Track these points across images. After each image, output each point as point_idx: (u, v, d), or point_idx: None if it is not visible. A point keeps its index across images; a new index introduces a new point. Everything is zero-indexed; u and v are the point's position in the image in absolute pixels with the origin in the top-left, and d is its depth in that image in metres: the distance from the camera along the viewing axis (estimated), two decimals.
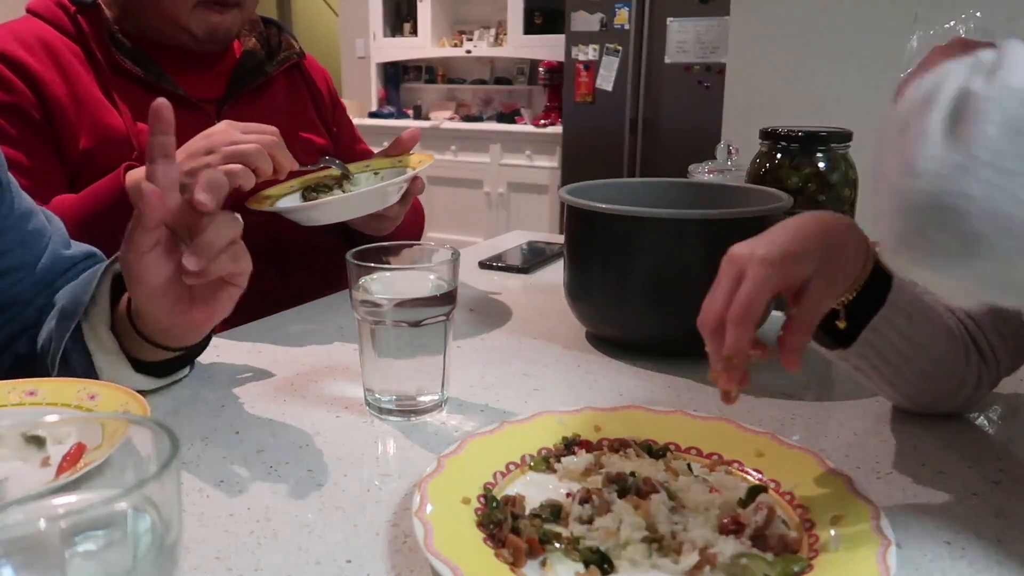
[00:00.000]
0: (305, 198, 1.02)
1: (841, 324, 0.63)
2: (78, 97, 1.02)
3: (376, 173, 1.08)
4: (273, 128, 0.92)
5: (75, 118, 1.01)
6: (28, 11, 1.08)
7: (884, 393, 0.71)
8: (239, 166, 0.87)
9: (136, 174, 0.92)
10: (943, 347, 0.66)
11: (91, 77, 1.04)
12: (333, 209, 0.95)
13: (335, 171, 1.07)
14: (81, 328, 0.72)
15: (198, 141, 0.90)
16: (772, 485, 0.57)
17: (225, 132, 0.90)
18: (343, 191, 1.04)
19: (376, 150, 1.16)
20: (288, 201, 1.01)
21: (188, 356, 0.76)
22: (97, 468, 0.40)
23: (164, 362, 0.74)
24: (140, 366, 0.73)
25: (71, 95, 1.02)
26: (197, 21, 1.06)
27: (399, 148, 1.07)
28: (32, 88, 1.00)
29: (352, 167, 1.08)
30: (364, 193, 0.97)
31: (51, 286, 0.79)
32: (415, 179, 0.99)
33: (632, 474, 0.56)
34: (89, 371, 0.72)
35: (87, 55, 1.05)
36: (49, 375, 0.73)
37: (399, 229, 1.10)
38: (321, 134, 1.24)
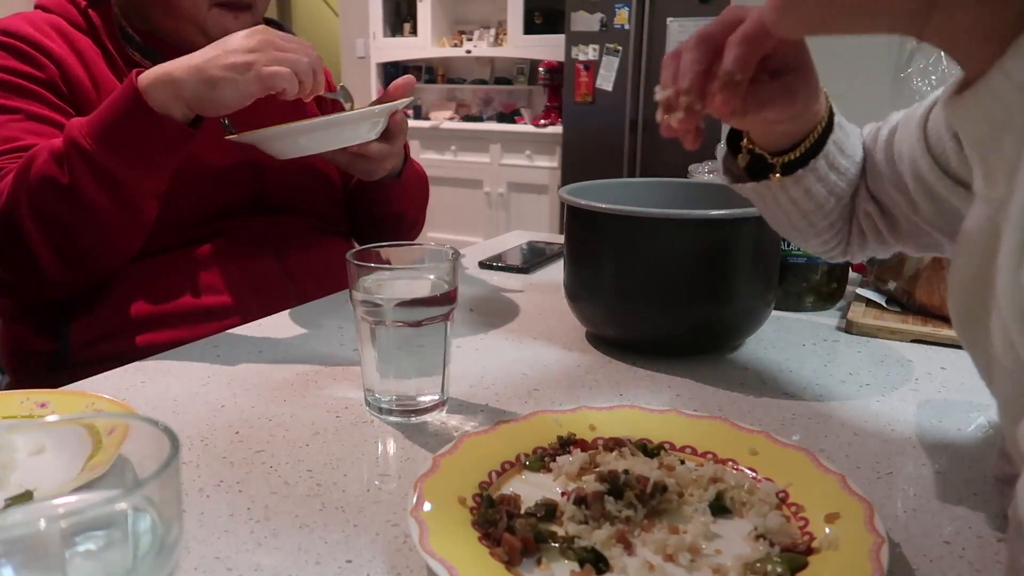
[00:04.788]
0: None
1: (776, 178, 0.66)
2: (95, 79, 1.04)
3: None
4: (311, 48, 0.91)
5: (95, 99, 1.02)
6: (37, 7, 1.10)
7: (781, 230, 0.75)
8: (287, 70, 0.86)
9: (150, 74, 0.89)
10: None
11: (103, 63, 1.05)
12: (311, 136, 0.92)
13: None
14: None
15: (237, 39, 0.89)
16: (766, 484, 0.57)
17: (268, 39, 0.89)
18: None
19: None
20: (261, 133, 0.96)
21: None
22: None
23: None
24: None
25: (88, 77, 1.03)
26: (213, 22, 1.07)
27: (389, 97, 1.06)
28: (56, 66, 1.02)
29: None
30: (330, 120, 0.92)
31: None
32: (394, 115, 0.97)
33: (625, 472, 0.56)
34: None
35: (97, 46, 1.06)
36: None
37: (403, 189, 1.13)
38: None
